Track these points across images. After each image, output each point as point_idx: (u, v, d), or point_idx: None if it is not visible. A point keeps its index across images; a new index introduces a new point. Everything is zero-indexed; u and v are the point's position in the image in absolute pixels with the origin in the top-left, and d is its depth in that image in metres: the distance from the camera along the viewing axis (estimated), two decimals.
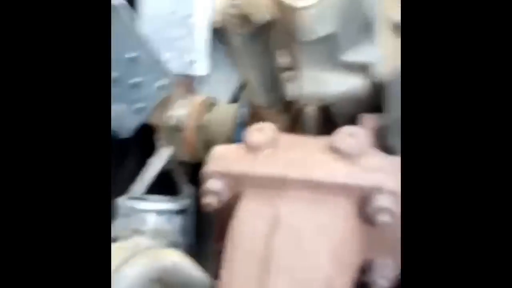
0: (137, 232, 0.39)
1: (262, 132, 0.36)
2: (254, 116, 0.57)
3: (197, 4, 0.64)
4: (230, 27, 0.45)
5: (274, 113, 0.54)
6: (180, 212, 0.39)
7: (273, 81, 0.52)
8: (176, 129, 0.62)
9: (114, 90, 0.55)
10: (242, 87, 0.56)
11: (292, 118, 0.52)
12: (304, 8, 0.38)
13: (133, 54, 0.54)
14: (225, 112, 0.62)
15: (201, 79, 0.69)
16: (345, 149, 0.34)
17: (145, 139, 0.63)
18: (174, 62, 0.64)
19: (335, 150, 0.34)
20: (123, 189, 0.58)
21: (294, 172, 0.33)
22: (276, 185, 0.33)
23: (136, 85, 0.56)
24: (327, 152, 0.34)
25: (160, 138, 0.63)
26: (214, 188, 0.34)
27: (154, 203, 0.39)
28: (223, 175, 0.34)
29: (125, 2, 0.51)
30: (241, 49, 0.48)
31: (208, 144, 0.63)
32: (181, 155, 0.64)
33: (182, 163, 0.66)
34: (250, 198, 0.33)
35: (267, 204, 0.32)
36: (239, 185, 0.34)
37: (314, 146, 0.36)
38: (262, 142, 0.35)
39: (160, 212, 0.39)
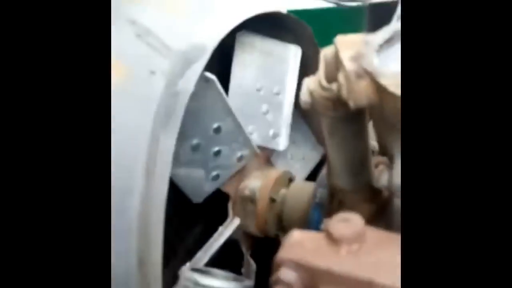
0: None
1: (348, 223, 0.34)
2: (333, 200, 0.55)
3: (287, 83, 0.66)
4: (321, 109, 0.45)
5: (357, 200, 0.52)
6: None
7: (361, 165, 0.50)
8: (249, 200, 0.61)
9: (197, 157, 0.56)
10: (324, 166, 0.55)
11: (378, 209, 0.49)
12: None
13: (219, 124, 0.55)
14: (302, 190, 0.61)
15: (279, 154, 0.69)
16: None
17: (218, 207, 0.62)
18: (256, 134, 0.65)
19: None
20: (188, 254, 0.58)
21: (382, 277, 0.30)
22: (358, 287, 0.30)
23: (217, 153, 0.57)
24: None
25: (233, 207, 0.62)
26: (287, 279, 0.31)
27: (218, 280, 0.37)
28: (299, 266, 0.32)
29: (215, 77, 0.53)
30: (331, 130, 0.48)
31: (280, 220, 0.61)
32: (250, 227, 0.63)
33: (248, 235, 0.64)
34: None
35: None
36: (315, 280, 0.31)
37: None
38: (347, 235, 0.33)
39: None
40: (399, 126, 0.38)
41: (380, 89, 0.38)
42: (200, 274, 0.39)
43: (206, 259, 0.55)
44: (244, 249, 0.64)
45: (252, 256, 0.63)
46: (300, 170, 0.74)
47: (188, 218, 0.64)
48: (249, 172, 0.64)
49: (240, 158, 0.60)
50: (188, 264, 0.41)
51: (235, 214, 0.62)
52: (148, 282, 0.46)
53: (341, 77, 0.41)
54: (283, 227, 0.61)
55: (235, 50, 0.63)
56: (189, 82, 0.48)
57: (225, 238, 0.57)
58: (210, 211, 0.63)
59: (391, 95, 0.37)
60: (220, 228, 0.59)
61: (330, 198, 0.56)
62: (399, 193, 0.42)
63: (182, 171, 0.56)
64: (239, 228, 0.63)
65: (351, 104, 0.41)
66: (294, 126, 0.69)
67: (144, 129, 0.46)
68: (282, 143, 0.67)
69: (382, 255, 0.32)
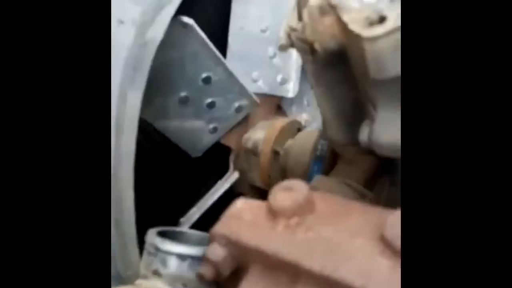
0: (157, 273, 0.35)
1: (291, 192, 0.29)
2: (334, 152, 0.49)
3: None
4: (300, 53, 0.39)
5: (357, 151, 0.45)
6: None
7: (354, 115, 0.43)
8: (251, 153, 0.58)
9: (187, 110, 0.53)
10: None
11: (383, 162, 0.43)
12: (373, 38, 0.29)
13: (208, 74, 0.51)
14: (306, 141, 0.55)
15: (293, 101, 0.63)
16: (391, 238, 0.25)
17: (220, 161, 0.60)
18: (262, 81, 0.59)
19: (385, 241, 0.25)
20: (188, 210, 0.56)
21: (312, 261, 0.25)
22: (287, 271, 0.25)
23: (211, 105, 0.53)
24: (374, 239, 0.25)
25: (235, 161, 0.59)
26: (213, 257, 0.28)
27: (177, 246, 0.35)
28: (229, 242, 0.28)
29: (193, 22, 0.48)
30: (315, 77, 0.41)
31: (284, 173, 0.57)
32: (255, 181, 0.59)
33: (255, 188, 0.61)
34: (253, 280, 0.26)
35: None
36: (245, 258, 0.27)
37: (361, 224, 0.27)
38: (286, 207, 0.28)
39: (182, 257, 0.34)
40: (370, 75, 0.31)
41: (344, 30, 0.31)
42: (163, 238, 0.37)
43: (198, 214, 0.53)
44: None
45: None
46: (319, 118, 0.67)
47: (201, 171, 0.63)
48: (253, 122, 0.59)
49: (238, 109, 0.55)
50: (153, 230, 0.39)
51: (239, 167, 0.59)
52: (125, 242, 0.45)
53: (305, 14, 0.34)
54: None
55: None
56: (157, 29, 0.43)
57: (220, 193, 0.55)
58: (219, 162, 0.61)
59: (356, 36, 0.29)
60: (219, 182, 0.57)
61: (330, 151, 0.50)
62: (379, 150, 0.35)
63: (173, 126, 0.53)
64: (244, 181, 0.60)
65: (317, 46, 0.34)
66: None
67: (112, 85, 0.43)
68: (291, 89, 0.61)
69: (323, 232, 0.27)
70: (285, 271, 0.26)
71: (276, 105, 0.62)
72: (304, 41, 0.36)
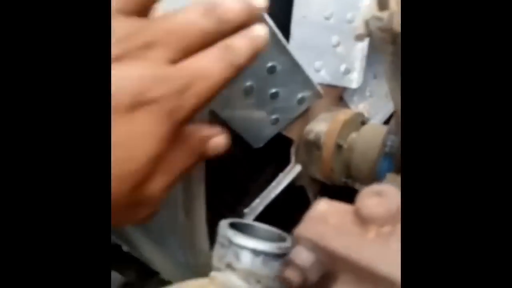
0: (230, 267, 0.35)
1: (382, 198, 0.27)
2: None
3: (362, 7, 0.56)
4: (378, 44, 0.36)
5: None
6: (281, 256, 0.34)
7: None
8: (313, 146, 0.56)
9: (251, 100, 0.52)
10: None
11: None
12: None
13: (273, 63, 0.50)
14: (373, 136, 0.53)
15: (355, 91, 0.61)
16: None
17: (281, 153, 0.59)
18: (324, 71, 0.57)
19: None
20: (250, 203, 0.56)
21: None
22: (384, 284, 0.24)
23: (274, 96, 0.52)
24: None
25: (296, 153, 0.58)
26: (300, 262, 0.27)
27: (251, 240, 0.34)
28: (316, 247, 0.27)
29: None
30: (393, 71, 0.39)
31: (347, 169, 0.56)
32: (316, 174, 0.58)
33: (316, 181, 0.60)
34: None
35: None
36: (334, 265, 0.26)
37: None
38: (378, 215, 0.26)
39: (256, 252, 0.34)
40: None
41: None
42: (236, 231, 0.36)
43: (262, 206, 0.53)
44: (310, 195, 0.61)
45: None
46: (382, 110, 0.65)
47: (259, 160, 0.62)
48: (315, 114, 0.58)
49: (301, 100, 0.54)
50: (225, 221, 0.39)
51: (300, 160, 0.58)
52: (195, 230, 0.45)
53: (392, 2, 0.32)
54: (352, 175, 0.56)
55: None
56: None
57: (283, 186, 0.54)
58: (280, 153, 0.60)
59: None
60: (280, 175, 0.56)
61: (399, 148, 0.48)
62: None
63: (237, 116, 0.52)
64: (305, 174, 0.59)
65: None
66: (374, 57, 0.60)
67: None
68: (355, 79, 0.59)
69: None
70: (381, 284, 0.24)
71: (339, 96, 0.60)
72: (388, 31, 0.34)
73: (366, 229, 0.27)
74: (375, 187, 0.28)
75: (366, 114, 0.61)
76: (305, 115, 0.57)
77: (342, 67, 0.58)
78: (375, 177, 0.51)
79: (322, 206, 0.30)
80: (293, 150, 0.57)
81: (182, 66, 0.30)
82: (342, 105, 0.61)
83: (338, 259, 0.26)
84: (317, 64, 0.57)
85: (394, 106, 0.43)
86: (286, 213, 0.50)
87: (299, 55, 0.53)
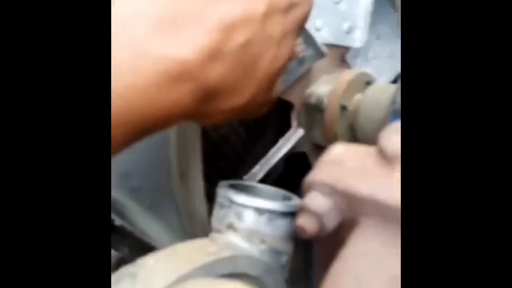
0: (232, 227, 0.32)
1: None
2: None
3: None
4: None
5: None
6: (286, 214, 0.31)
7: None
8: (315, 109, 0.53)
9: None
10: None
11: None
12: None
13: None
14: (380, 95, 0.50)
15: (357, 52, 0.57)
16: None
17: (282, 117, 0.55)
18: (326, 30, 0.54)
19: None
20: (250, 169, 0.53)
21: None
22: None
23: None
24: None
25: (298, 117, 0.54)
26: (315, 208, 0.23)
27: (254, 199, 0.31)
28: (333, 191, 0.23)
29: None
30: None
31: (353, 131, 0.52)
32: (319, 139, 0.55)
33: (319, 147, 0.57)
34: (369, 235, 0.22)
35: (391, 254, 0.21)
36: (355, 210, 0.23)
37: None
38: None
39: (259, 210, 0.31)
40: None
41: None
42: (237, 191, 0.33)
43: (262, 173, 0.50)
44: (313, 162, 0.57)
45: None
46: (386, 71, 0.62)
47: (256, 128, 0.59)
48: (316, 76, 0.54)
49: (301, 61, 0.50)
50: (225, 182, 0.35)
51: (301, 125, 0.55)
52: (192, 195, 0.42)
53: None
54: (357, 139, 0.52)
55: None
56: None
57: (284, 151, 0.51)
58: (280, 119, 0.57)
59: None
60: (280, 141, 0.52)
61: None
62: None
63: None
64: (306, 139, 0.55)
65: None
66: (377, 16, 0.56)
67: None
68: (359, 38, 0.55)
69: None
70: None
71: (341, 57, 0.57)
72: None
73: (392, 168, 0.24)
74: (397, 124, 0.25)
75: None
76: (305, 78, 0.54)
77: (345, 26, 0.55)
78: None
79: (338, 149, 0.27)
80: (294, 114, 0.54)
81: None
82: (344, 67, 0.58)
83: (361, 202, 0.23)
84: (318, 22, 0.53)
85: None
86: (288, 181, 0.47)
87: None
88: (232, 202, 0.32)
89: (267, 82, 0.32)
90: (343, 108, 0.51)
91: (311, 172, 0.26)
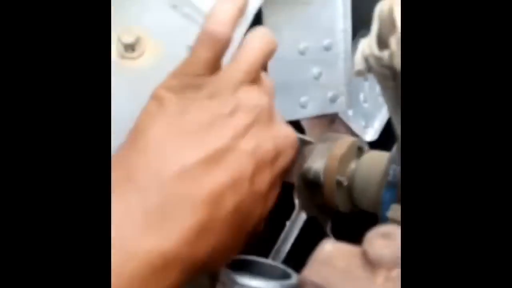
0: None
1: (389, 240, 0.26)
2: None
3: (338, 31, 0.53)
4: (379, 79, 0.35)
5: None
6: None
7: None
8: (314, 185, 0.54)
9: None
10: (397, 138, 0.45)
11: None
12: None
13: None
14: (373, 166, 0.51)
15: (343, 117, 0.58)
16: None
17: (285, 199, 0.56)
18: (311, 105, 0.55)
19: None
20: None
21: None
22: None
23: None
24: None
25: (298, 195, 0.55)
26: None
27: (256, 280, 0.33)
28: None
29: None
30: (395, 105, 0.37)
31: (351, 202, 0.54)
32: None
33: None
34: None
35: None
36: None
37: None
38: (386, 257, 0.25)
39: None
40: None
41: None
42: (238, 271, 0.35)
43: (281, 257, 0.51)
44: (323, 224, 0.59)
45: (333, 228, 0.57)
46: (379, 111, 0.61)
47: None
48: (310, 149, 0.55)
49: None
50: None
51: (303, 198, 0.56)
52: None
53: (393, 42, 0.30)
54: (356, 207, 0.54)
55: (262, 10, 0.51)
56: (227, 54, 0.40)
57: (295, 235, 0.52)
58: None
59: None
60: (288, 224, 0.54)
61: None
62: None
63: None
64: (311, 207, 0.57)
65: None
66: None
67: None
68: (344, 102, 0.56)
69: None
70: None
71: (331, 119, 0.58)
72: (389, 68, 0.32)
73: (375, 273, 0.25)
74: (381, 228, 0.27)
75: (363, 123, 0.58)
76: (302, 154, 0.55)
77: (329, 94, 0.56)
78: (379, 208, 0.50)
79: (328, 248, 0.28)
80: (295, 193, 0.55)
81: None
82: (338, 122, 0.59)
83: None
84: (303, 99, 0.55)
85: (396, 137, 0.41)
86: (308, 247, 0.48)
87: (281, 95, 0.51)
88: (234, 283, 0.34)
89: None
90: (339, 183, 0.52)
91: (304, 270, 0.28)
